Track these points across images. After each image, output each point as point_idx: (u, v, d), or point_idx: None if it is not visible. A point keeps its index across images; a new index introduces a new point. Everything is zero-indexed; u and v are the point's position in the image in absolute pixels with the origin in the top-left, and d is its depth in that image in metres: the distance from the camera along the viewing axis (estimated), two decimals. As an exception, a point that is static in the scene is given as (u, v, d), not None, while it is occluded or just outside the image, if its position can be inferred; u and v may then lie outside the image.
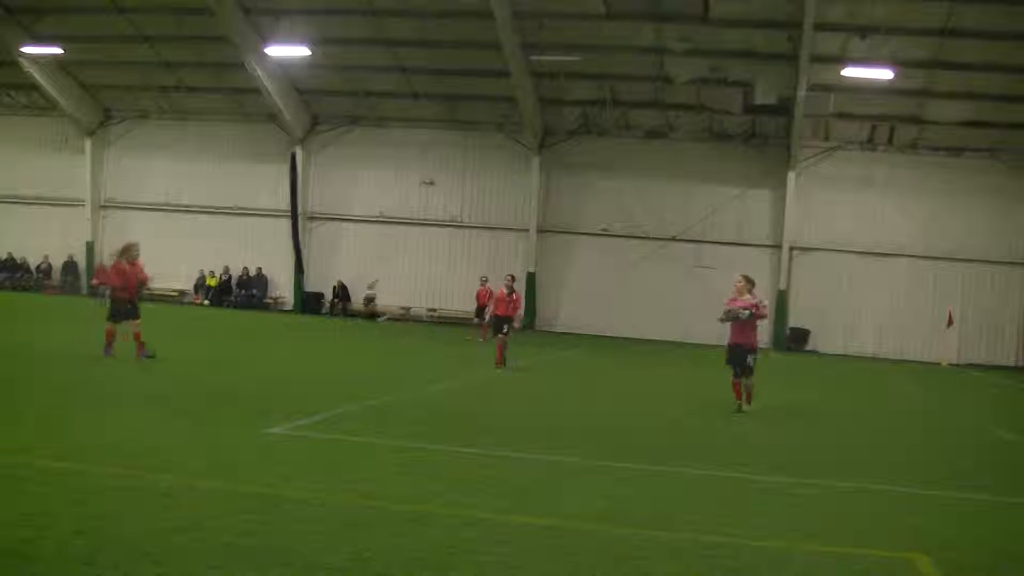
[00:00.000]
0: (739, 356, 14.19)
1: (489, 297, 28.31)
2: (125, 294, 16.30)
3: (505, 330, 19.69)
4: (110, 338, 16.03)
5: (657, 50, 32.01)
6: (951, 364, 33.21)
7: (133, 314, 16.22)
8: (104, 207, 40.19)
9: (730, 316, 14.23)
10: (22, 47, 35.50)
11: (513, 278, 21.11)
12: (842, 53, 30.37)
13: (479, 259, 36.10)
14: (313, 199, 38.63)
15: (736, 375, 14.32)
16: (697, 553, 6.47)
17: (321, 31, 32.98)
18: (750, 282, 14.61)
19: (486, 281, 29.21)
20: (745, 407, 14.29)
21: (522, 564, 5.92)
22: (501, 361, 19.22)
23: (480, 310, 29.07)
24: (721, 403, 16.93)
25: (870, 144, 34.77)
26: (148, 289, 38.05)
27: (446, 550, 6.10)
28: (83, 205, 39.70)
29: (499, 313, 20.32)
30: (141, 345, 15.94)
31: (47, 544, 5.60)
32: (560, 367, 22.60)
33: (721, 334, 34.97)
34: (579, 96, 35.21)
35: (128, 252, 16.51)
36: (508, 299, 20.26)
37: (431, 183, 37.80)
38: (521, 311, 21.75)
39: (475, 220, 37.57)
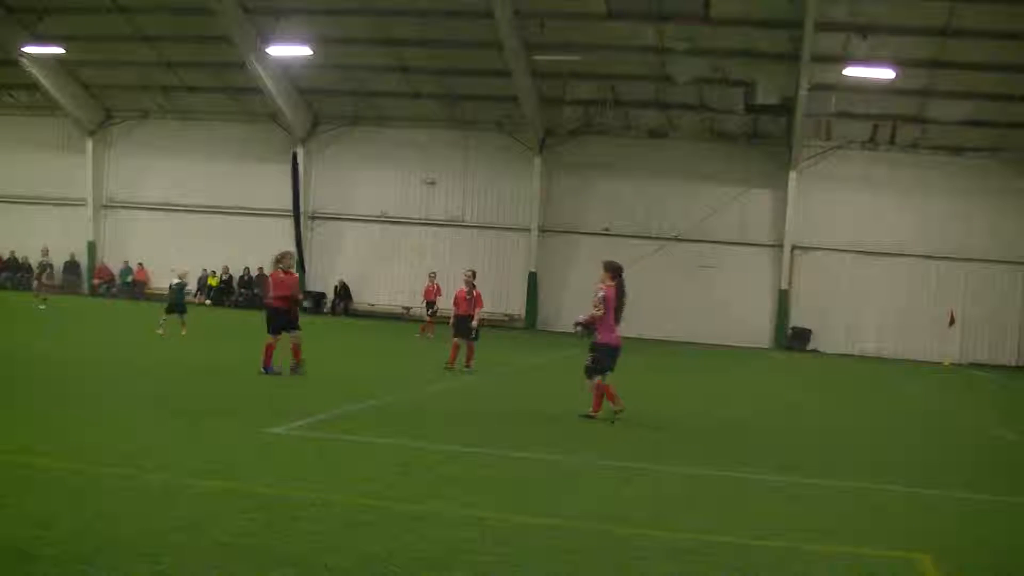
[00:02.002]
0: None
1: (437, 293, 28.06)
2: (283, 303, 15.44)
3: (474, 335, 18.19)
4: (269, 353, 15.08)
5: (658, 50, 31.99)
6: (953, 363, 33.19)
7: (293, 325, 15.38)
8: (105, 207, 40.22)
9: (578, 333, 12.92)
10: (23, 47, 35.50)
11: (473, 274, 19.03)
12: (843, 52, 30.33)
13: (480, 259, 36.03)
14: (314, 199, 38.64)
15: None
16: (698, 553, 6.46)
17: (322, 31, 32.97)
18: (606, 269, 12.85)
19: (435, 277, 28.82)
20: (594, 413, 12.49)
21: (523, 564, 5.92)
22: (453, 361, 17.95)
23: (429, 305, 28.60)
24: (720, 402, 16.95)
25: (871, 144, 34.74)
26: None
27: (446, 550, 6.09)
28: (84, 205, 39.73)
29: (460, 313, 18.32)
30: (297, 360, 15.23)
31: (47, 544, 5.59)
32: (560, 367, 22.57)
33: (720, 334, 35.14)
34: (580, 96, 35.19)
35: (284, 260, 15.75)
36: (468, 297, 18.37)
37: (432, 183, 37.80)
38: (482, 308, 19.04)
39: (476, 220, 37.57)
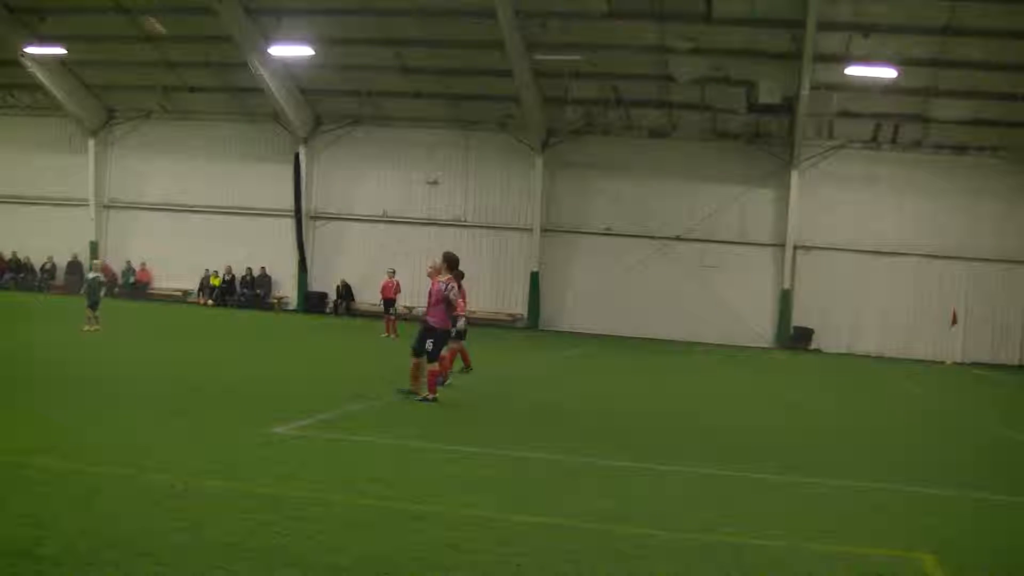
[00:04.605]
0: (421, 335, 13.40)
1: (396, 291, 27.77)
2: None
3: (454, 333, 16.94)
4: (447, 366, 15.04)
5: (660, 49, 31.96)
6: (955, 363, 33.16)
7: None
8: (108, 207, 40.23)
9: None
10: (25, 47, 35.51)
11: (461, 274, 18.22)
12: (845, 52, 30.31)
13: (482, 258, 36.06)
14: (317, 199, 38.65)
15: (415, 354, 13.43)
16: (698, 553, 6.46)
17: (324, 31, 32.98)
18: (445, 260, 13.76)
19: (393, 274, 28.51)
20: (419, 391, 13.29)
21: (523, 564, 5.91)
22: (468, 363, 17.18)
23: (387, 303, 28.23)
24: (721, 402, 16.95)
25: (874, 143, 34.71)
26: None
27: (447, 550, 6.10)
28: (86, 205, 39.73)
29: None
30: (443, 371, 14.87)
31: (49, 544, 5.60)
32: (562, 367, 22.58)
33: (722, 334, 35.11)
34: (582, 95, 35.16)
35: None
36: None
37: (435, 182, 37.81)
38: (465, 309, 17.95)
39: (479, 219, 37.54)
